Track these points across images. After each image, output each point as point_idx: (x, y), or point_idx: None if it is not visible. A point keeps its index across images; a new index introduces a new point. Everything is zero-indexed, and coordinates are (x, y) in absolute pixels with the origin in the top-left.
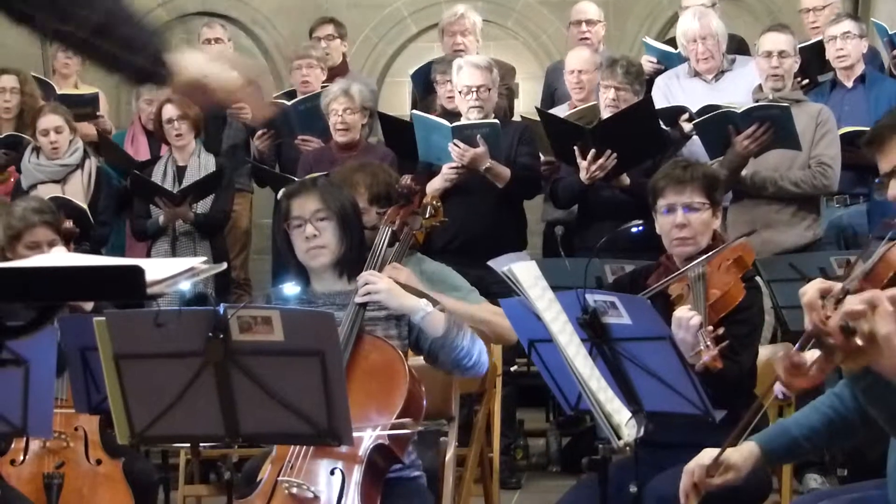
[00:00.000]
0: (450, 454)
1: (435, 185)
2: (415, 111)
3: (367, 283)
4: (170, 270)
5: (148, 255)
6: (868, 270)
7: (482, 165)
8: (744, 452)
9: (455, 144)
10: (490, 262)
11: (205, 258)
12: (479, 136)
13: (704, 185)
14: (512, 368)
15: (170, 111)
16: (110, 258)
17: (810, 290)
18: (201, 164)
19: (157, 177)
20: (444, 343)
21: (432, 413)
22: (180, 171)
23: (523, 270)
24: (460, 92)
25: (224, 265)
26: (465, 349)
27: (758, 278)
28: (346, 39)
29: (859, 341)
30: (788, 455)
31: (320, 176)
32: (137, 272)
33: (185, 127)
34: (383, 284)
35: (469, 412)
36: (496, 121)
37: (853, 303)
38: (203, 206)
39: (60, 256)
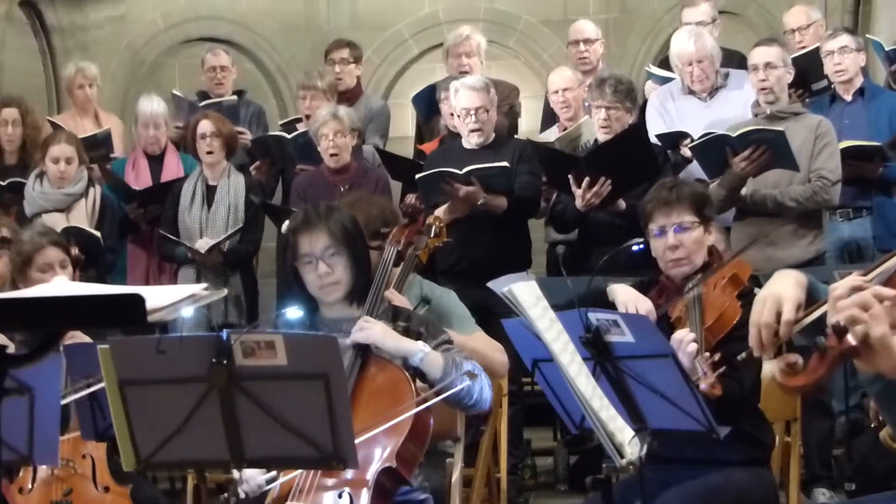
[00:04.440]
0: (456, 475)
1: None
2: (418, 175)
3: (361, 329)
4: (171, 297)
5: (175, 281)
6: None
7: (477, 201)
8: (802, 284)
9: (448, 182)
10: (490, 284)
11: (206, 285)
12: (472, 176)
13: (692, 204)
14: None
15: (205, 127)
16: (112, 286)
17: (841, 286)
18: (231, 185)
19: (185, 196)
20: (442, 385)
21: (438, 434)
22: (210, 191)
23: (523, 291)
24: (458, 115)
25: (224, 291)
26: (464, 389)
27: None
28: (361, 63)
29: (852, 341)
30: None
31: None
32: (138, 300)
33: (218, 144)
34: (378, 332)
35: (475, 432)
36: (506, 164)
37: (845, 307)
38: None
39: (63, 285)
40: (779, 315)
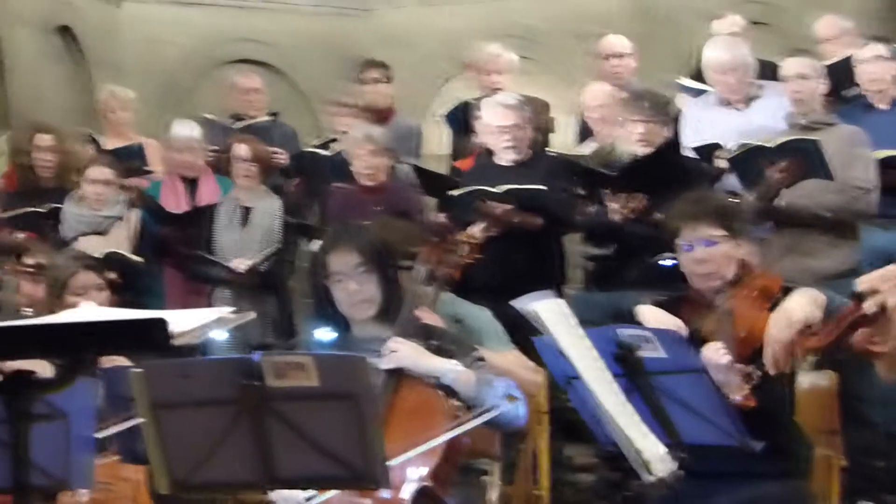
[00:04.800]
0: (494, 494)
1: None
2: (453, 193)
3: (392, 352)
4: (197, 321)
5: (209, 302)
6: None
7: (512, 219)
8: (819, 303)
9: (483, 201)
10: (513, 302)
11: (233, 308)
12: (507, 194)
13: (718, 217)
14: None
15: (241, 150)
16: (136, 311)
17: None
18: (266, 208)
19: (220, 217)
20: (474, 403)
21: (475, 452)
22: (245, 213)
23: (548, 309)
24: (492, 133)
25: (252, 314)
26: (497, 407)
27: None
28: (392, 82)
29: (869, 308)
30: None
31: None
32: (161, 325)
33: (255, 169)
34: (408, 351)
35: (514, 450)
36: (544, 187)
37: (867, 279)
38: None
39: (89, 311)
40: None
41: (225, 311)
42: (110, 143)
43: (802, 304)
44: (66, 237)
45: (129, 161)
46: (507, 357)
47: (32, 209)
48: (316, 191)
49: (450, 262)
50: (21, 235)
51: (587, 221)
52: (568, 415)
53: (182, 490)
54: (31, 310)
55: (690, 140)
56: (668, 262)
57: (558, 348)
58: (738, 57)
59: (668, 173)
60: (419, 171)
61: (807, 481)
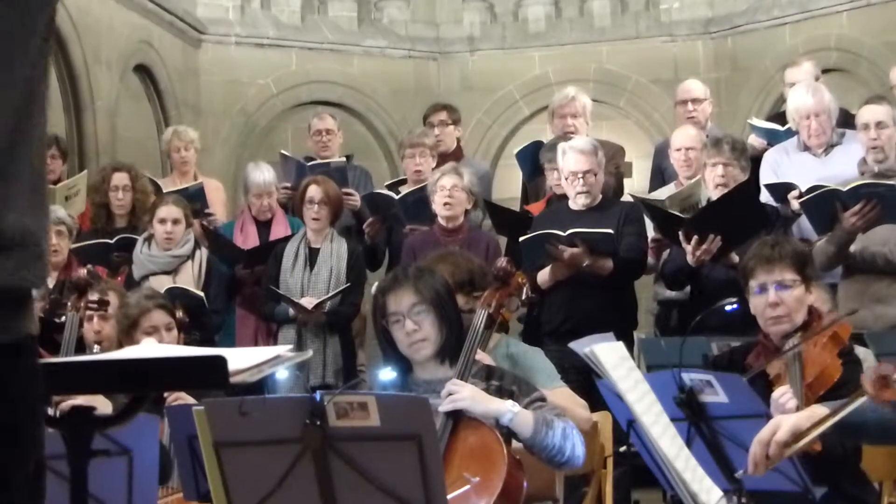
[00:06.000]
0: None
1: (543, 278)
2: (522, 238)
3: (450, 394)
4: (255, 359)
5: (275, 341)
6: None
7: (582, 263)
8: (814, 419)
9: (552, 244)
10: (572, 344)
11: (291, 346)
12: (576, 238)
13: (794, 262)
14: (621, 449)
15: (313, 192)
16: (194, 349)
17: None
18: (333, 250)
19: (288, 257)
20: (533, 443)
21: (536, 495)
22: (312, 254)
23: (606, 351)
24: (566, 178)
25: (310, 353)
26: (556, 447)
27: (861, 351)
28: (461, 125)
29: None
30: (854, 433)
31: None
32: (220, 362)
33: (325, 211)
34: (466, 393)
35: (579, 495)
36: (611, 231)
37: None
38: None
39: (148, 348)
40: None
41: (283, 349)
42: (174, 183)
43: (799, 421)
44: (136, 277)
45: (189, 202)
46: (559, 393)
47: (100, 241)
48: (388, 232)
49: (510, 307)
50: (83, 271)
51: (663, 265)
52: (636, 459)
53: None
54: (98, 347)
55: (767, 181)
56: (730, 307)
57: (615, 390)
58: (821, 102)
59: (742, 215)
60: (491, 207)
61: None
